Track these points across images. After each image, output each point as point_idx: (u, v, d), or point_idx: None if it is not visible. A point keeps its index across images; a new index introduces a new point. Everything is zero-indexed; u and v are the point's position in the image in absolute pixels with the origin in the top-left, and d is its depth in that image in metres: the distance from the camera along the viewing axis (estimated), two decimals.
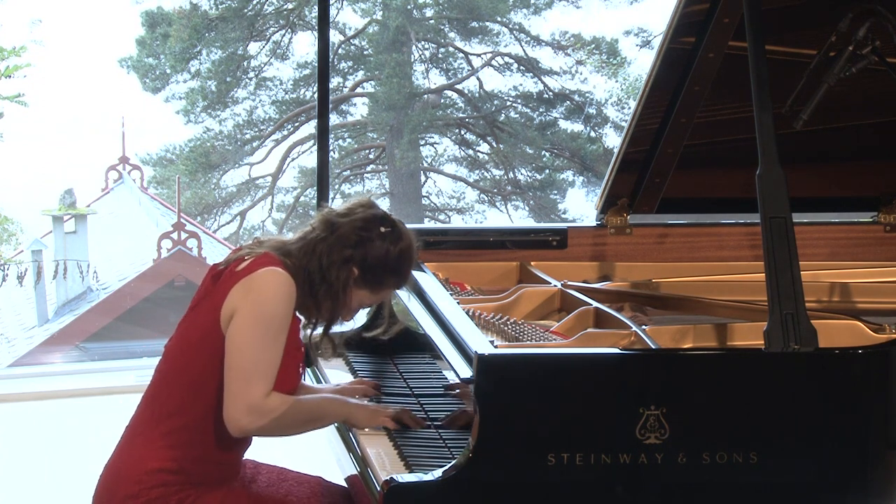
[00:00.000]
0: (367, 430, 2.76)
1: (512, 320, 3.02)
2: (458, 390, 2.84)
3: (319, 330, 2.74)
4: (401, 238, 2.69)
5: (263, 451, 2.91)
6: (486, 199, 15.28)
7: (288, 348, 2.59)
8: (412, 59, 14.78)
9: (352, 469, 2.71)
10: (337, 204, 2.79)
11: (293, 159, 14.93)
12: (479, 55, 15.09)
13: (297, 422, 2.62)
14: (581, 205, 14.80)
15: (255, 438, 2.75)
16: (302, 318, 2.70)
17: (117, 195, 14.97)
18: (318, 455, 3.30)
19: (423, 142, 15.05)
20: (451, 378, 2.95)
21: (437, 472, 2.38)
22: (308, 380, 3.28)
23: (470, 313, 2.96)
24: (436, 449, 2.66)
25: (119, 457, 2.67)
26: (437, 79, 15.06)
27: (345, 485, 2.88)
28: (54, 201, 13.08)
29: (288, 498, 2.72)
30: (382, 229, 2.67)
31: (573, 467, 2.39)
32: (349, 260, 2.64)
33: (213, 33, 14.39)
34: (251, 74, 14.77)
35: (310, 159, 14.68)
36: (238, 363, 2.52)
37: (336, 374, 3.23)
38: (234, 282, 2.58)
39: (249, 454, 2.81)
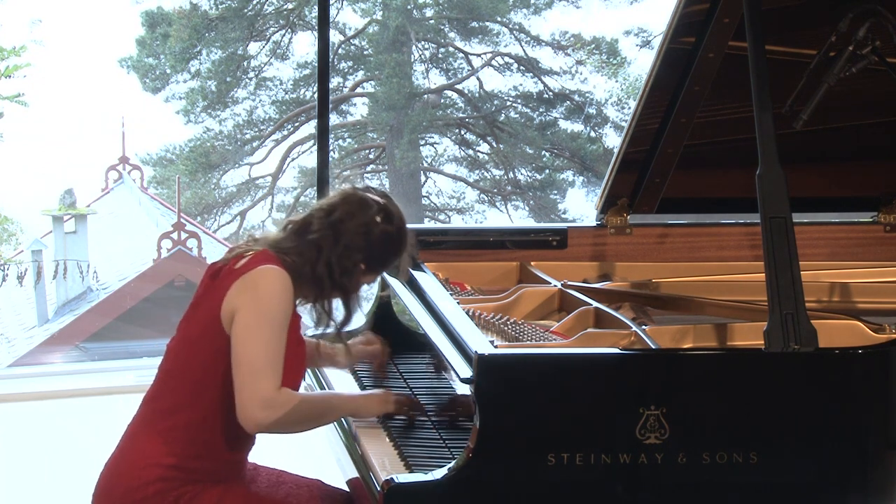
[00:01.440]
0: (366, 427, 2.76)
1: (512, 320, 3.02)
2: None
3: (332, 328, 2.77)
4: (393, 216, 2.74)
5: (261, 452, 2.90)
6: (486, 199, 15.28)
7: (289, 344, 2.60)
8: (412, 59, 14.78)
9: (352, 471, 2.71)
10: (330, 194, 2.79)
11: (293, 159, 14.94)
12: (479, 55, 15.09)
13: (311, 416, 2.63)
14: (581, 205, 14.80)
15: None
16: (309, 314, 2.73)
17: (117, 195, 14.97)
18: (317, 458, 3.30)
19: (423, 142, 15.05)
20: (451, 378, 2.95)
21: (437, 472, 2.38)
22: (308, 379, 3.28)
23: (470, 313, 2.96)
24: (436, 449, 2.66)
25: (120, 454, 2.68)
26: (437, 79, 15.06)
27: (344, 488, 2.88)
28: (54, 201, 13.07)
29: (287, 499, 2.73)
30: (378, 219, 2.70)
31: (573, 467, 2.39)
32: (358, 262, 2.69)
33: (213, 33, 14.39)
34: (251, 74, 14.77)
35: (310, 159, 14.68)
36: (246, 360, 2.53)
37: (336, 373, 3.23)
38: (234, 279, 2.60)
39: (250, 456, 2.81)
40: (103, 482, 2.67)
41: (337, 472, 2.93)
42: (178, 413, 2.63)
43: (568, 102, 15.02)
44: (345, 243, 2.67)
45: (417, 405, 2.82)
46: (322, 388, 3.19)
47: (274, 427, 2.57)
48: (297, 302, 2.68)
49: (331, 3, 14.03)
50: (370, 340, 3.11)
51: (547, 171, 15.02)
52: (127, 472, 2.62)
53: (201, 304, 2.67)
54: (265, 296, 2.57)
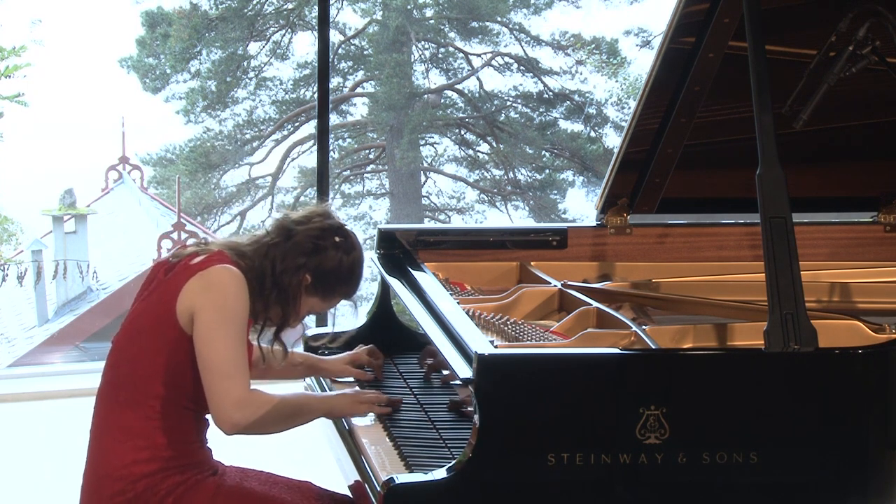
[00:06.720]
0: (363, 424, 2.77)
1: (512, 320, 3.02)
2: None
3: (269, 334, 2.77)
4: (353, 248, 2.76)
5: (249, 454, 2.90)
6: (486, 199, 15.30)
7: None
8: (412, 59, 14.80)
9: (353, 472, 2.71)
10: (297, 209, 2.84)
11: (293, 159, 14.95)
12: (479, 55, 15.11)
13: (283, 416, 2.63)
14: (581, 205, 14.82)
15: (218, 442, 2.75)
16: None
17: (117, 195, 14.99)
18: (306, 462, 3.30)
19: (423, 142, 15.06)
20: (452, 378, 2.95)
21: (437, 473, 2.38)
22: (309, 381, 3.28)
23: (470, 313, 2.96)
24: (436, 449, 2.66)
25: (93, 460, 2.66)
26: (437, 79, 15.08)
27: (339, 490, 2.87)
28: (54, 201, 13.08)
29: (282, 497, 2.72)
30: (337, 239, 2.73)
31: (573, 467, 2.39)
32: (302, 267, 2.70)
33: (213, 33, 14.40)
34: (251, 74, 14.79)
35: (310, 159, 14.70)
36: (216, 363, 2.54)
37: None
38: (189, 274, 2.61)
39: (234, 461, 2.81)
40: (87, 491, 2.65)
41: (330, 474, 2.93)
42: (136, 407, 2.62)
43: (568, 102, 15.04)
44: (294, 243, 2.70)
45: (392, 402, 2.83)
46: (322, 390, 3.19)
47: (251, 427, 2.58)
48: None
49: (331, 3, 14.04)
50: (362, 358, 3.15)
51: (547, 171, 15.03)
52: (108, 475, 2.60)
53: (153, 297, 2.66)
54: (225, 296, 2.58)
